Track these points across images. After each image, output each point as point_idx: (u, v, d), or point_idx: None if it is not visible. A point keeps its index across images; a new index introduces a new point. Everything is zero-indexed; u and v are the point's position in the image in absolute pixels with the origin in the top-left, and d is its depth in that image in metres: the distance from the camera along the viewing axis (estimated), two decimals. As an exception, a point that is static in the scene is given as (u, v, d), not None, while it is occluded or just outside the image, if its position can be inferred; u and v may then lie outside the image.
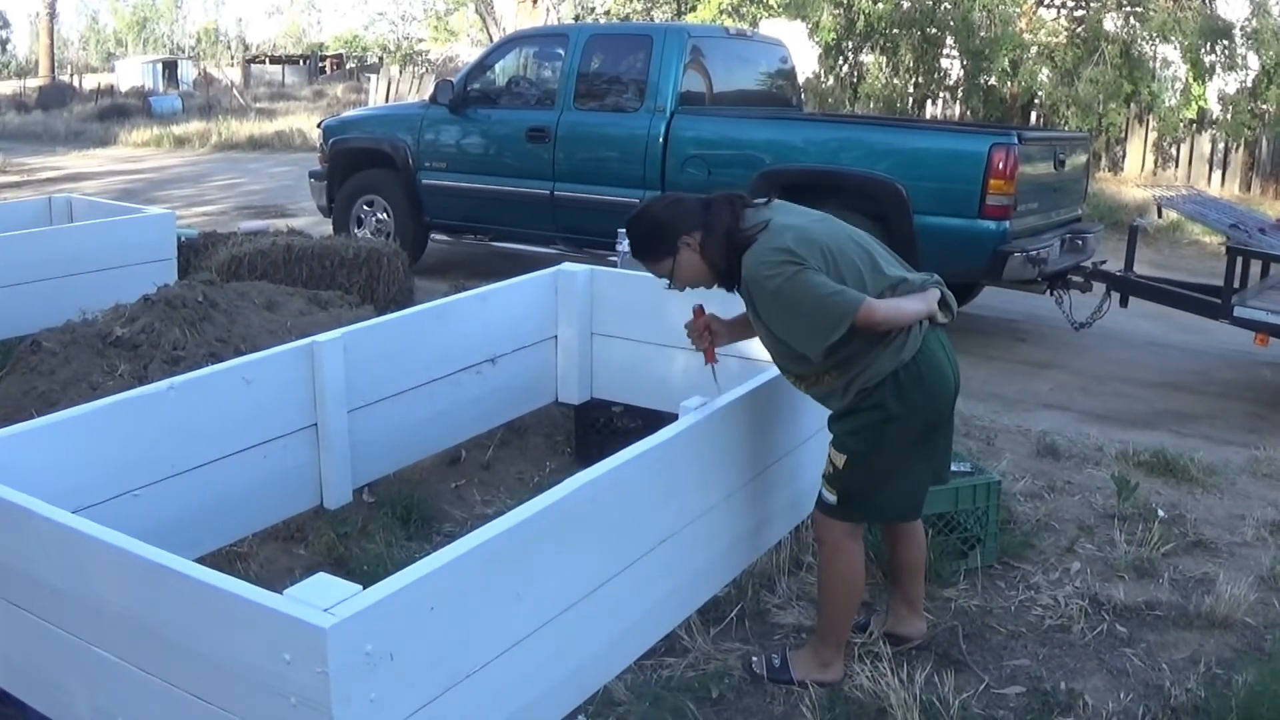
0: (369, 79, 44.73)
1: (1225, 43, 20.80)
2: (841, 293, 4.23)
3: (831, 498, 4.60)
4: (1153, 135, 22.31)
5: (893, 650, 4.89)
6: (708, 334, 4.82)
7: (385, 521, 6.03)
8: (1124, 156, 22.82)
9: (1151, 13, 20.69)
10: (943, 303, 4.51)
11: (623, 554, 4.08)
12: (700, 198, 4.65)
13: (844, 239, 4.46)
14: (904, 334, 4.34)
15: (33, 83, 54.52)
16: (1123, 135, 22.46)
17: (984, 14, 21.09)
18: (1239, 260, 9.21)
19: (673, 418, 4.54)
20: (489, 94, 12.86)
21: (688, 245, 4.50)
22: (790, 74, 13.64)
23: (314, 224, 14.75)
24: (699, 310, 4.87)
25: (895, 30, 22.68)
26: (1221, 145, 21.72)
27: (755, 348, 5.95)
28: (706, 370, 4.92)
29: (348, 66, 61.74)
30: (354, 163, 13.53)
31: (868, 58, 23.75)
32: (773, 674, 4.78)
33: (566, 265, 6.94)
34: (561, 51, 12.38)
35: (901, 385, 4.36)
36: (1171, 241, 17.01)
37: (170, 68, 60.93)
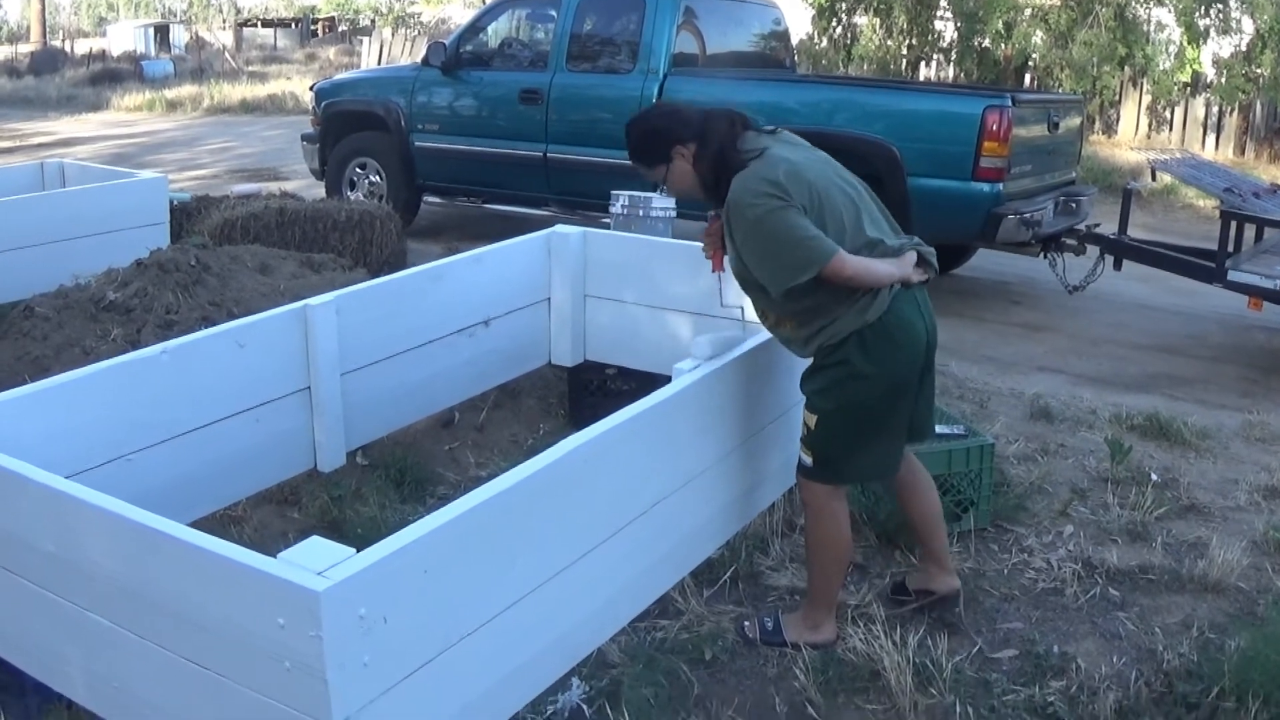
0: (361, 42, 44.65)
1: (1220, 6, 20.73)
2: (818, 239, 4.23)
3: (808, 459, 4.63)
4: (1147, 99, 22.27)
5: (886, 614, 4.90)
6: (719, 241, 4.79)
7: (379, 484, 6.03)
8: (1118, 120, 22.79)
9: (1146, -25, 20.69)
10: (924, 260, 4.51)
11: (617, 516, 4.08)
12: (702, 110, 4.63)
13: (836, 185, 4.44)
14: (870, 295, 4.34)
15: (24, 48, 54.30)
16: (1117, 98, 22.41)
17: (978, -24, 21.06)
18: (1233, 224, 9.21)
19: (666, 380, 4.55)
20: (481, 56, 12.82)
21: (681, 155, 4.51)
22: (784, 36, 13.62)
23: (307, 187, 14.71)
24: (715, 217, 4.82)
25: (888, -8, 22.64)
26: (1216, 109, 21.69)
27: (748, 311, 5.96)
28: (712, 279, 4.99)
29: (340, 29, 61.66)
30: (346, 125, 13.52)
31: (861, 19, 23.67)
32: (765, 637, 4.79)
33: (559, 227, 6.93)
34: (554, 13, 12.34)
35: (866, 342, 4.37)
36: (1165, 205, 16.99)
37: (162, 32, 60.62)
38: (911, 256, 4.46)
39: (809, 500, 4.71)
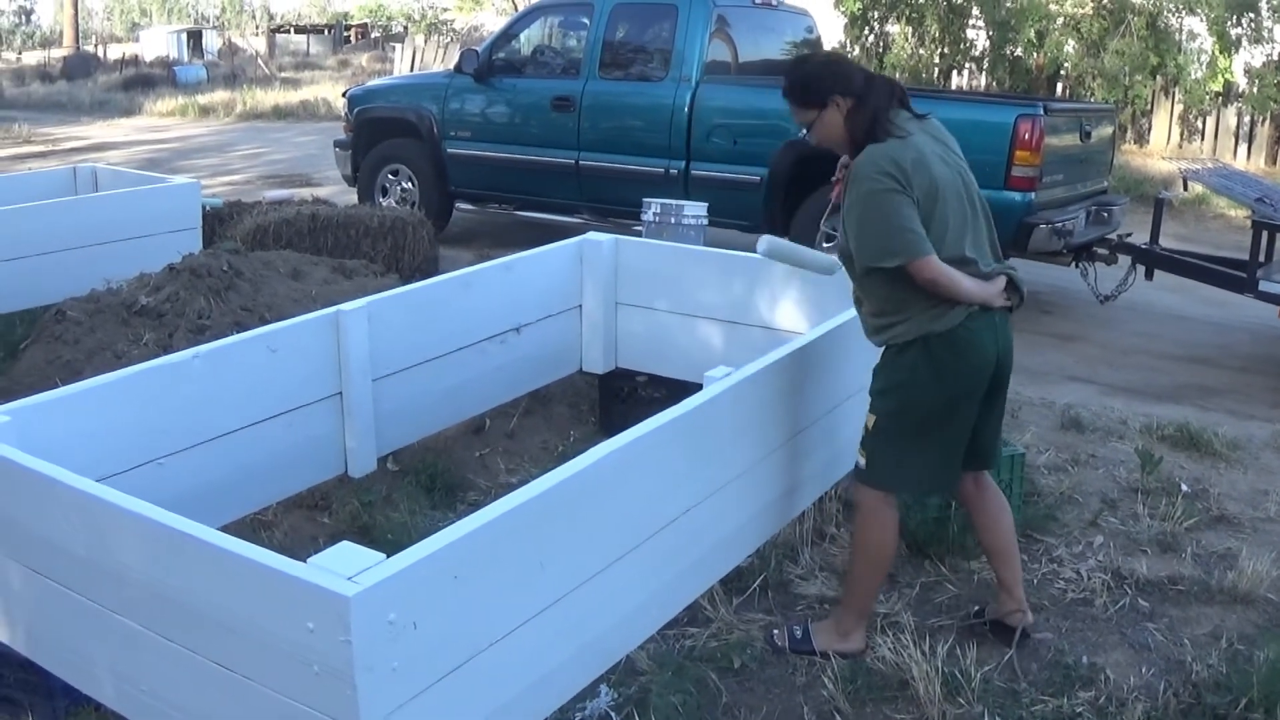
0: (394, 48, 44.79)
1: (1251, 15, 20.67)
2: (915, 234, 4.26)
3: (862, 461, 4.66)
4: (1179, 108, 22.17)
5: (916, 622, 4.90)
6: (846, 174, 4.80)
7: (409, 490, 6.05)
8: (1150, 129, 22.69)
9: (1178, -16, 20.63)
10: (1013, 285, 4.56)
11: (646, 524, 4.08)
12: (865, 70, 4.65)
13: (955, 192, 4.46)
14: (946, 305, 4.36)
15: (57, 53, 54.56)
16: (1149, 108, 22.31)
17: (1010, -16, 21.04)
18: (1264, 234, 9.18)
19: (697, 388, 4.55)
20: (514, 63, 12.88)
21: (837, 105, 4.49)
22: (816, 44, 13.60)
23: (339, 193, 14.77)
24: None
25: (921, 0, 22.60)
26: (1247, 119, 21.58)
27: (779, 319, 5.97)
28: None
29: (373, 36, 61.80)
30: (379, 132, 13.57)
31: (893, 28, 23.63)
32: (794, 645, 4.79)
33: (591, 234, 6.95)
34: (586, 20, 12.39)
35: (932, 351, 4.40)
36: (1197, 215, 16.93)
37: (195, 37, 60.84)
38: (1000, 282, 4.51)
39: (860, 503, 4.74)
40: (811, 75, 4.61)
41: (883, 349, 4.59)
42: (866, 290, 4.54)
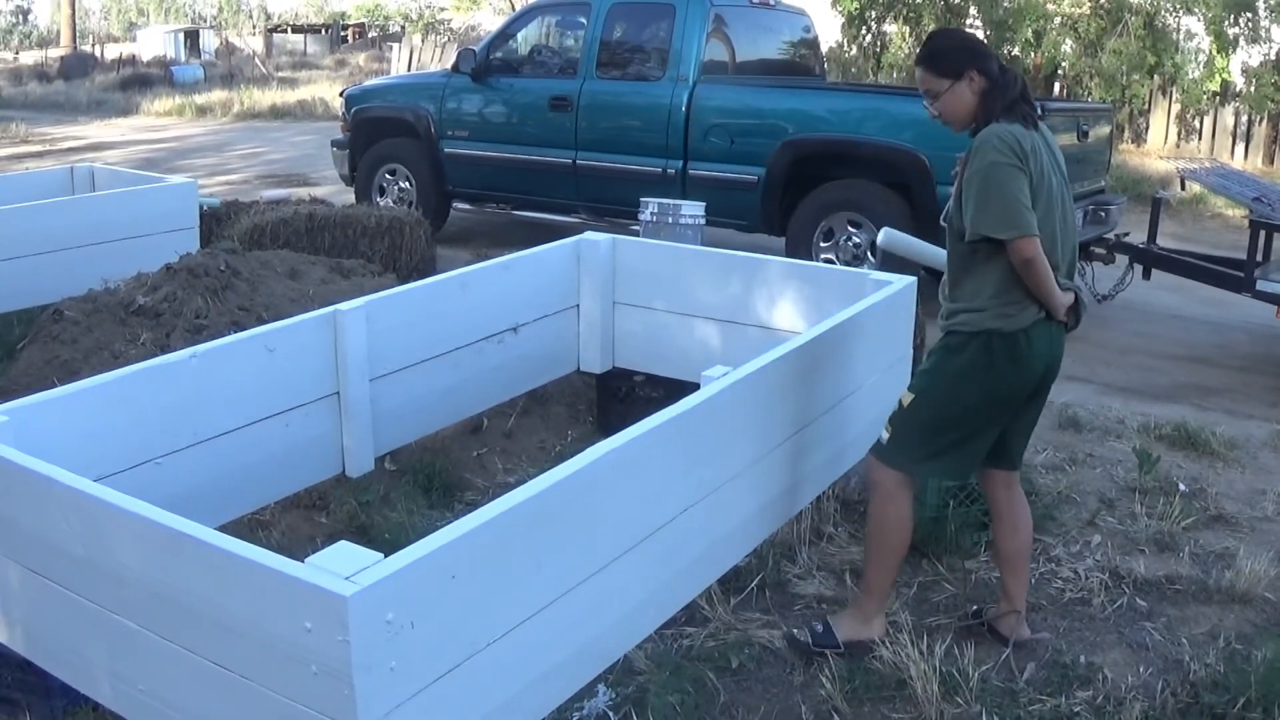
0: (391, 48, 44.74)
1: (1249, 15, 20.72)
2: (1029, 213, 4.32)
3: (885, 435, 4.69)
4: (1176, 108, 22.20)
5: (914, 621, 4.89)
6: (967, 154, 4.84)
7: (407, 490, 6.05)
8: (1147, 128, 22.71)
9: (1175, -16, 20.67)
10: (1077, 307, 4.63)
11: (644, 523, 4.07)
12: (999, 60, 4.68)
13: (1057, 200, 4.53)
14: (1018, 305, 4.43)
15: (55, 52, 54.47)
16: (1146, 107, 22.34)
17: (1007, -16, 21.06)
18: (1262, 234, 9.18)
19: (695, 387, 4.54)
20: (511, 63, 12.88)
21: (971, 80, 4.53)
22: (813, 43, 13.63)
23: (336, 193, 14.77)
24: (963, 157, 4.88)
25: (918, 0, 22.60)
26: (1245, 118, 21.61)
27: (776, 318, 5.97)
28: None
29: (370, 35, 61.79)
30: (376, 131, 13.58)
31: (891, 27, 23.67)
32: (817, 640, 4.77)
33: (589, 234, 6.94)
34: (584, 20, 12.38)
35: (992, 349, 4.45)
36: (1195, 214, 16.94)
37: (192, 37, 60.81)
38: (1070, 297, 4.57)
39: (878, 480, 4.75)
40: (956, 44, 4.70)
41: (945, 334, 4.62)
42: (956, 265, 4.58)
